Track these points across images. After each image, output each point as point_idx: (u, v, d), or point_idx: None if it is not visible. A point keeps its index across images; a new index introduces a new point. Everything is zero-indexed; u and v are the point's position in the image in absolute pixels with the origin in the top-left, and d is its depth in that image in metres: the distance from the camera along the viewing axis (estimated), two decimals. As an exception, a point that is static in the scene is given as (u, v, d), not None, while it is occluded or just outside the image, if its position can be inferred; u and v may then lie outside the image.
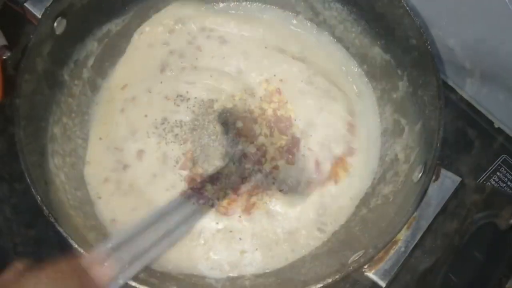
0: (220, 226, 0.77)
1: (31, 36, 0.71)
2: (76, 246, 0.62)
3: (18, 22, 1.00)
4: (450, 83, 0.94)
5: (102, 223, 0.77)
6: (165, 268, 0.73)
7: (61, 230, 0.63)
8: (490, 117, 0.94)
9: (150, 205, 0.77)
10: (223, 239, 0.77)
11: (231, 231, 0.77)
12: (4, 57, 0.96)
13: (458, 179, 0.69)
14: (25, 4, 0.75)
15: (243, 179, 0.79)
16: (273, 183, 0.80)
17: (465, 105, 0.94)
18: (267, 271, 0.76)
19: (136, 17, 0.88)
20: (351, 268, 0.64)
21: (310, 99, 0.85)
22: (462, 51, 0.87)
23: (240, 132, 0.82)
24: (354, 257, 0.68)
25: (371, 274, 0.65)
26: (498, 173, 0.90)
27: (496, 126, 0.94)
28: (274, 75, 0.87)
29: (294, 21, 0.93)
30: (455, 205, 0.67)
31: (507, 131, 0.94)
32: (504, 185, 0.90)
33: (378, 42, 0.85)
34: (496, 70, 0.86)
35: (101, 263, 0.57)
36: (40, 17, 0.73)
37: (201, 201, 0.77)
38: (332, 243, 0.78)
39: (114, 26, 0.86)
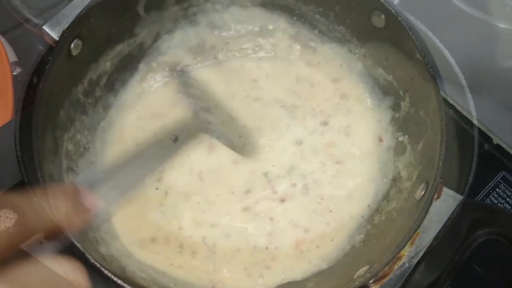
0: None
1: (49, 58, 0.73)
2: (93, 261, 0.64)
3: (28, 38, 1.02)
4: (449, 99, 0.97)
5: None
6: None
7: (78, 245, 0.65)
8: (488, 133, 0.96)
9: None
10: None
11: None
12: (14, 73, 0.99)
13: (460, 197, 0.71)
14: (43, 27, 0.77)
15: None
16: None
17: (464, 122, 0.97)
18: (273, 286, 0.79)
19: (147, 38, 0.91)
20: (357, 283, 0.66)
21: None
22: (460, 69, 0.89)
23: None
24: (359, 272, 0.70)
25: (376, 289, 0.68)
26: (497, 190, 0.93)
27: (495, 142, 0.96)
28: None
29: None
30: (457, 222, 0.70)
31: (506, 147, 0.96)
32: (504, 201, 0.92)
33: (381, 63, 0.88)
34: (492, 87, 0.89)
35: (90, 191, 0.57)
36: (57, 39, 0.76)
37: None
38: (337, 258, 0.80)
39: (126, 46, 0.88)
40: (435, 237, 0.62)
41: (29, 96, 0.70)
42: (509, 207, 0.91)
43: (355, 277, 0.69)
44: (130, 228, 0.81)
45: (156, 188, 0.84)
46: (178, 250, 0.79)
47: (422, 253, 0.68)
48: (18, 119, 0.68)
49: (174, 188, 0.84)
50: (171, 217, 0.82)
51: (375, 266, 0.67)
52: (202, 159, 0.86)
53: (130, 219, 0.81)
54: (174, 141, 0.83)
